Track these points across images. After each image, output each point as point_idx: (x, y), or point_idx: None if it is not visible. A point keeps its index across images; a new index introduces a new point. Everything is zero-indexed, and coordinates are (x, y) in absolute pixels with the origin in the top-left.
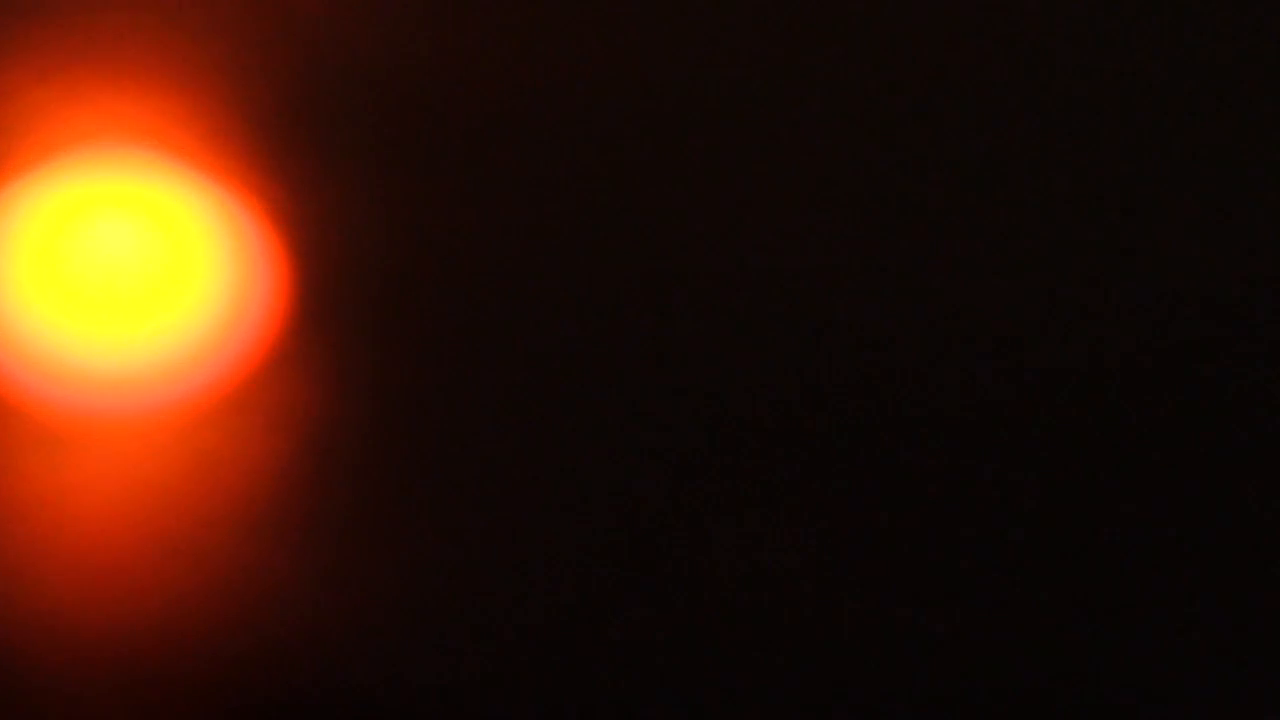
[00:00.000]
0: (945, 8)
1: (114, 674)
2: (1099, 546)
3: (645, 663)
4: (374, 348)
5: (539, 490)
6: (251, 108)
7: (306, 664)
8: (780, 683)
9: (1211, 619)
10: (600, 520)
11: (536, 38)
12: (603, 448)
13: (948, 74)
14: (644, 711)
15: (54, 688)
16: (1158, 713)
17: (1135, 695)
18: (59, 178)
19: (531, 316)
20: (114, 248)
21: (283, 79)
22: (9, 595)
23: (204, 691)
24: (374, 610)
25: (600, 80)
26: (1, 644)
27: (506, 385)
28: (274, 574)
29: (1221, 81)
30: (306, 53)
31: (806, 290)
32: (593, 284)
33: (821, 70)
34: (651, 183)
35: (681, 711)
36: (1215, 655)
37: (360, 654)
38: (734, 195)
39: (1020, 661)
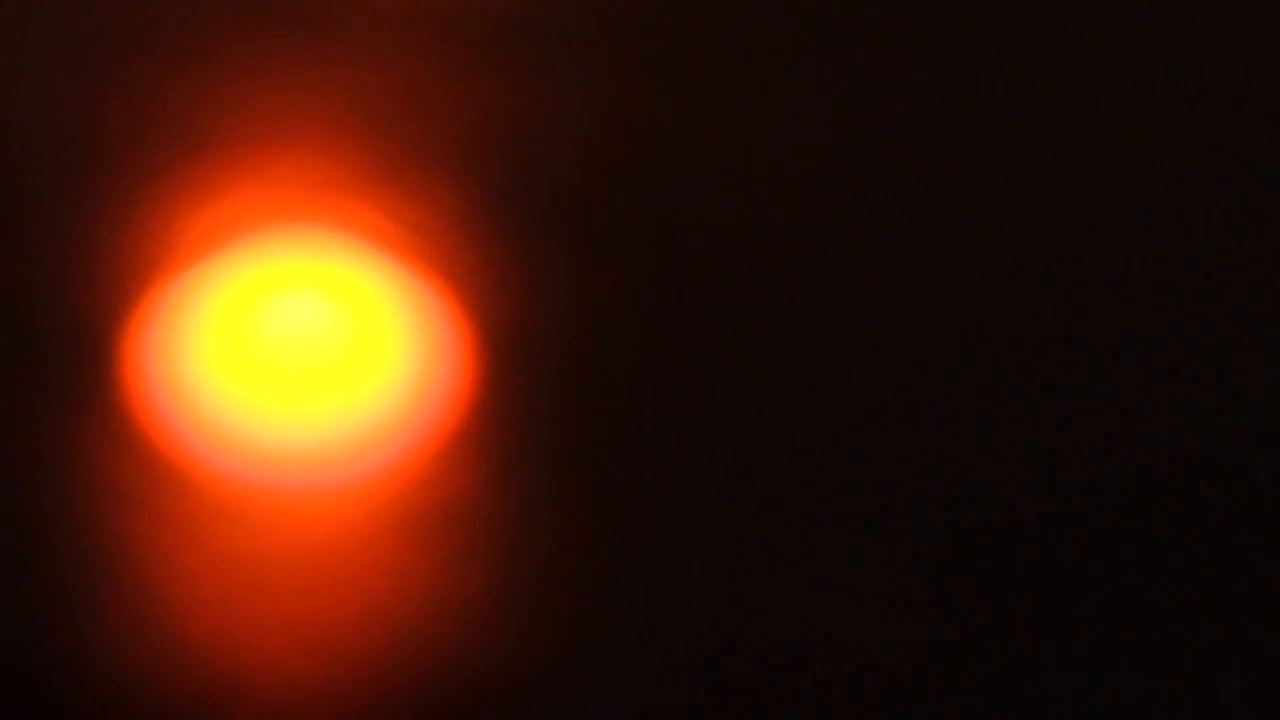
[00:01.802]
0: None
1: None
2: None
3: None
4: (558, 431)
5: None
6: (442, 190)
7: None
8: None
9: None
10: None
11: (727, 121)
12: (790, 529)
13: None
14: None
15: None
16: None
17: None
18: (249, 257)
19: (719, 403)
20: (302, 326)
21: (475, 162)
22: (197, 667)
23: None
24: (553, 693)
25: (795, 167)
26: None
27: (692, 469)
28: (453, 650)
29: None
30: (498, 136)
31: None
32: (780, 369)
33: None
34: (846, 269)
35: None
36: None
37: None
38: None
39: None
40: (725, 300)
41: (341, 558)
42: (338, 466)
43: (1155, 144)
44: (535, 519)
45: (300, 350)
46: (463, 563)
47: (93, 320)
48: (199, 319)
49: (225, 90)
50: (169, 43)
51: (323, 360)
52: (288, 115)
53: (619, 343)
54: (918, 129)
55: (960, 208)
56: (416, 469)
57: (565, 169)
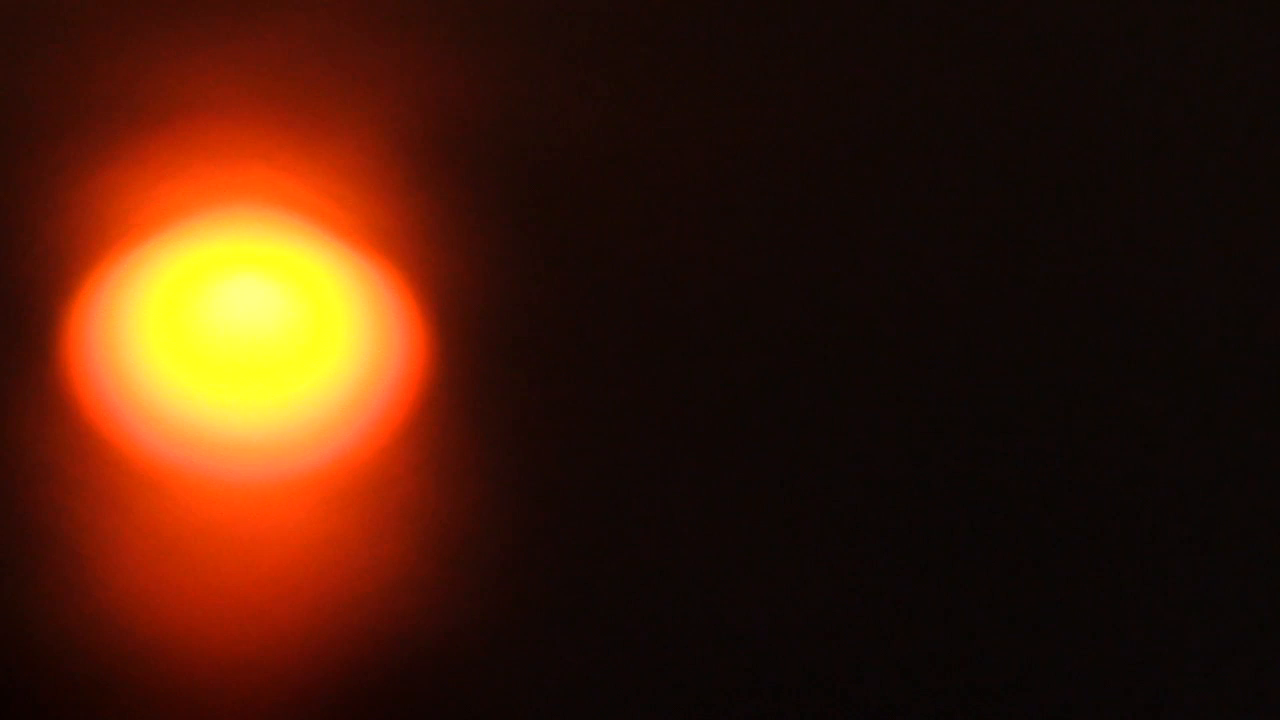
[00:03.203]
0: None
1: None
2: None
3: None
4: (509, 416)
5: (684, 531)
6: (389, 169)
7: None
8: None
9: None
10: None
11: (694, 102)
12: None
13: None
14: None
15: None
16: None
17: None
18: (196, 240)
19: (669, 370)
20: (250, 309)
21: (419, 140)
22: (130, 647)
23: None
24: (530, 666)
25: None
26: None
27: (649, 439)
28: (418, 640)
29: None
30: (441, 113)
31: None
32: (738, 329)
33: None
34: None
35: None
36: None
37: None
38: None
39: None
40: (680, 281)
41: (290, 545)
42: (287, 454)
43: (1159, 145)
44: (487, 505)
45: (248, 333)
46: (412, 549)
47: (35, 300)
48: (144, 300)
49: (175, 66)
50: (117, 17)
51: (271, 344)
52: (235, 94)
53: (573, 328)
54: (906, 125)
55: (948, 204)
56: (366, 457)
57: (521, 153)
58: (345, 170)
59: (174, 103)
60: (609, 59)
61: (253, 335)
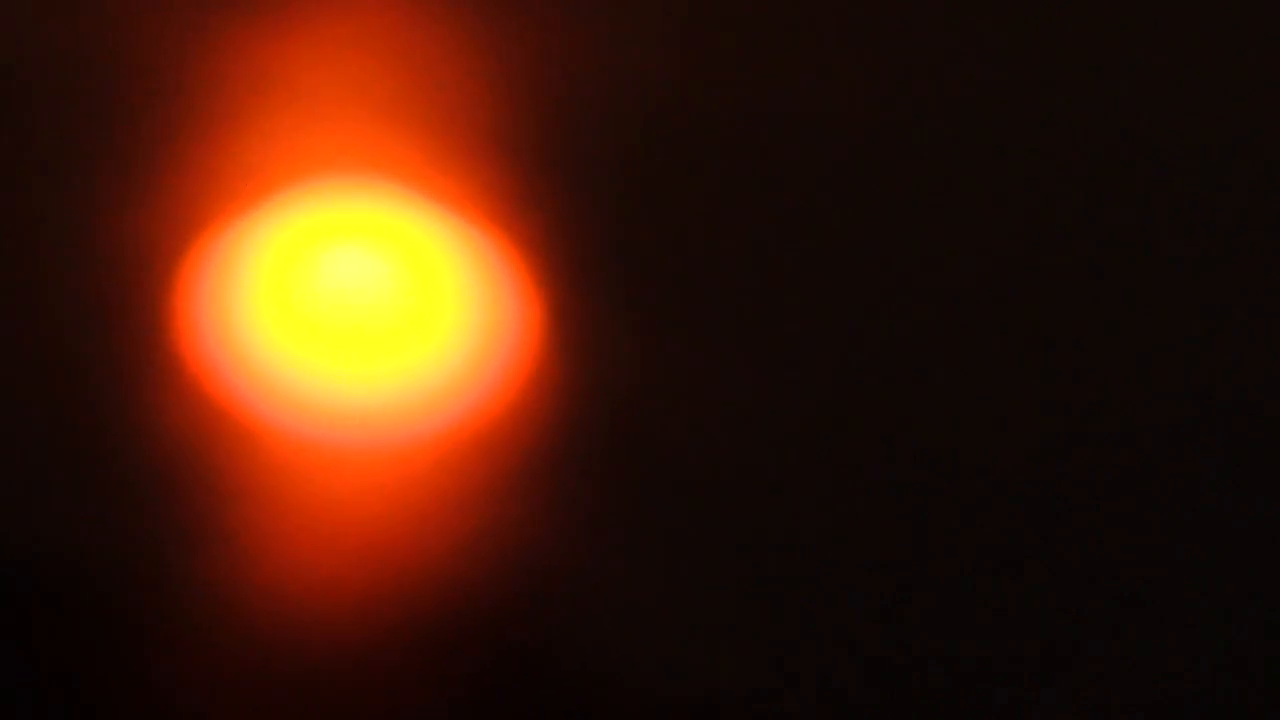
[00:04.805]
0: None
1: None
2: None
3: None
4: (619, 394)
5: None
6: (503, 137)
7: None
8: None
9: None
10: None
11: (786, 86)
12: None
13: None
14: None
15: None
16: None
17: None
18: (306, 208)
19: (777, 372)
20: (364, 279)
21: (536, 113)
22: (252, 618)
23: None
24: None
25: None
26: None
27: (771, 397)
28: (541, 604)
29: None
30: (557, 81)
31: None
32: (840, 352)
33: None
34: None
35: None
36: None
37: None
38: None
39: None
40: (792, 223)
41: (398, 516)
42: (397, 424)
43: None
44: (598, 480)
45: (357, 304)
46: (522, 523)
47: (150, 268)
48: (255, 270)
49: (288, 33)
50: None
51: (381, 315)
52: (349, 61)
53: (690, 296)
54: (976, 112)
55: (1001, 193)
56: (477, 428)
57: (630, 129)
58: (459, 138)
59: (287, 68)
60: (724, 26)
61: (366, 303)
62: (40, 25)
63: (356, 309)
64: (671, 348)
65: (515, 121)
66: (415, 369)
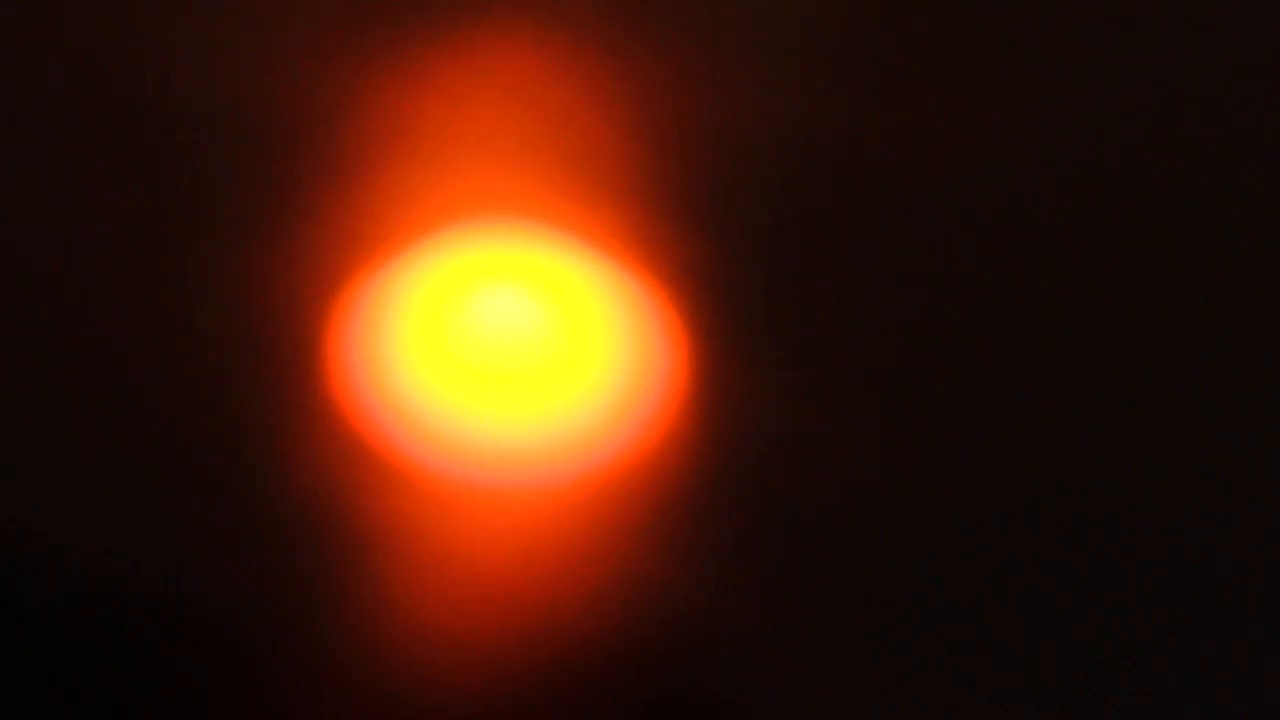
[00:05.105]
0: None
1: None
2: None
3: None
4: (770, 433)
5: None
6: (654, 183)
7: None
8: None
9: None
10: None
11: (942, 121)
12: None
13: None
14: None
15: None
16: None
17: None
18: (458, 251)
19: (927, 371)
20: (508, 321)
21: (686, 157)
22: (406, 661)
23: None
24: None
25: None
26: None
27: (917, 448)
28: (684, 645)
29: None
30: (700, 121)
31: None
32: (1014, 330)
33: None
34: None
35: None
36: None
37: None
38: None
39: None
40: (929, 313)
41: (542, 557)
42: (546, 465)
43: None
44: (749, 524)
45: (506, 345)
46: (664, 567)
47: (299, 313)
48: (405, 312)
49: (435, 76)
50: (384, 24)
51: (530, 356)
52: (492, 108)
53: (836, 336)
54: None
55: (1146, 207)
56: (626, 469)
57: (779, 169)
58: (610, 181)
59: (435, 111)
60: (857, 62)
61: (513, 346)
62: (193, 80)
63: (503, 351)
64: (818, 394)
65: (665, 165)
66: (562, 411)
